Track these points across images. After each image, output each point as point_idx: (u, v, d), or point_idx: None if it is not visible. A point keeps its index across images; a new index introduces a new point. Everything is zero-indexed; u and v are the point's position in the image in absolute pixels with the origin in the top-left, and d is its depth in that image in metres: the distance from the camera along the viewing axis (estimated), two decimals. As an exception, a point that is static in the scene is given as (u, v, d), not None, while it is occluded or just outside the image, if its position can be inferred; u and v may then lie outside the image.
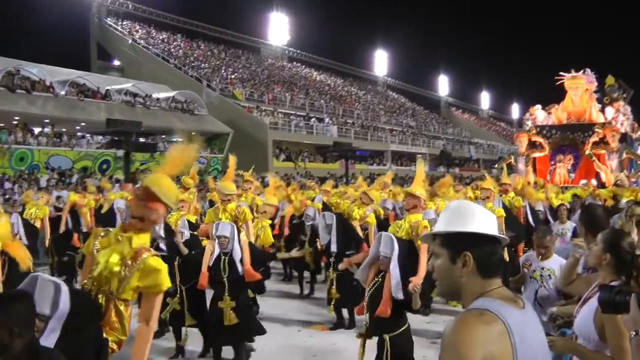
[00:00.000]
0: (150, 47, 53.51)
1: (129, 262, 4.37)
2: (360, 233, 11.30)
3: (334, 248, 10.19)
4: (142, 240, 4.55)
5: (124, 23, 58.03)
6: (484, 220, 2.47)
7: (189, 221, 9.58)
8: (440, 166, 55.37)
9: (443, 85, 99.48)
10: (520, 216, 12.69)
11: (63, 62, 41.57)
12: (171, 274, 9.42)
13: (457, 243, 2.43)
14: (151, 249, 4.56)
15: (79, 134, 35.61)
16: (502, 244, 2.50)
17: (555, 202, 14.21)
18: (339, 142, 41.87)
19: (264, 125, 45.24)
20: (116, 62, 56.88)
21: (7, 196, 19.53)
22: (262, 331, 8.23)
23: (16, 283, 4.10)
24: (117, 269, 4.37)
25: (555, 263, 6.23)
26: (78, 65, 44.87)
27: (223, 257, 7.82)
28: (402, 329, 6.33)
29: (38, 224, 13.90)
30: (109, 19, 56.83)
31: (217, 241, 7.90)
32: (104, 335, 4.32)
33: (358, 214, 11.63)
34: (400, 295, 6.14)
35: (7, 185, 24.20)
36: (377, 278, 6.43)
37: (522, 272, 6.35)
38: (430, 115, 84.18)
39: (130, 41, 53.31)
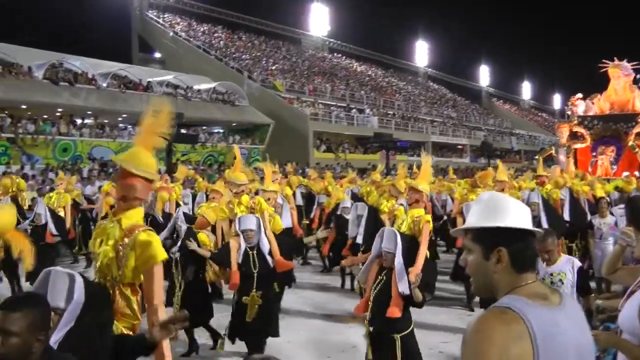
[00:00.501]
0: (191, 39, 53.76)
1: (123, 243, 4.30)
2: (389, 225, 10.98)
3: (359, 240, 9.84)
4: (131, 219, 4.43)
5: (166, 16, 58.41)
6: (518, 213, 2.37)
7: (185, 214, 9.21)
8: (481, 157, 54.84)
9: (484, 75, 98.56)
10: (558, 208, 12.18)
11: (105, 55, 41.91)
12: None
13: (490, 238, 2.34)
14: (143, 225, 4.45)
15: (121, 125, 35.92)
16: (536, 237, 2.39)
17: (600, 193, 13.87)
18: (380, 133, 41.67)
19: (304, 116, 45.18)
20: (157, 55, 57.27)
21: (51, 186, 19.68)
22: (276, 333, 7.76)
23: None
24: (112, 254, 4.31)
25: (565, 265, 5.87)
26: (120, 58, 45.25)
27: (250, 251, 7.49)
28: (412, 327, 6.11)
29: (62, 213, 13.47)
30: (150, 12, 57.23)
31: (241, 236, 7.57)
32: (115, 322, 4.15)
33: (387, 206, 11.14)
34: (407, 291, 5.86)
35: (51, 175, 24.43)
36: (381, 276, 6.12)
37: None
38: (471, 106, 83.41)
39: (171, 33, 53.63)
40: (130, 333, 4.26)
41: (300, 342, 8.76)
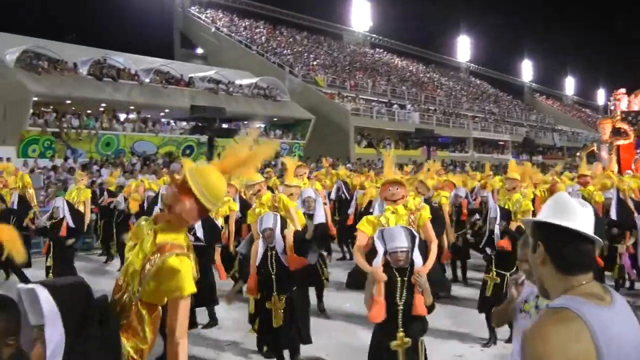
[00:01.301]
0: (233, 34, 53.99)
1: (151, 259, 3.79)
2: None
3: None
4: (169, 235, 3.88)
5: (208, 12, 58.79)
6: (567, 213, 2.33)
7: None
8: (523, 154, 54.20)
9: (526, 70, 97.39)
10: (600, 211, 11.40)
11: (148, 51, 42.25)
12: (208, 268, 9.04)
13: (536, 232, 2.37)
14: (179, 247, 3.85)
15: (163, 120, 36.19)
16: (590, 241, 2.31)
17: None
18: (421, 129, 41.48)
19: (345, 111, 45.07)
20: (199, 50, 57.63)
21: (93, 179, 19.90)
22: (307, 339, 7.36)
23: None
24: (138, 267, 3.83)
25: None
26: (162, 54, 45.55)
27: (270, 252, 7.11)
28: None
29: (81, 208, 13.08)
30: (192, 8, 57.64)
31: (261, 236, 7.21)
32: (124, 340, 3.76)
33: (412, 204, 10.91)
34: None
35: (95, 168, 24.70)
36: (399, 278, 5.48)
37: (510, 295, 4.21)
38: (513, 101, 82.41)
39: (213, 29, 53.92)
40: (136, 357, 3.82)
41: (332, 347, 8.33)
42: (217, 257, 10.19)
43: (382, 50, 75.35)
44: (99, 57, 34.85)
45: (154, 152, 31.85)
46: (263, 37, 57.36)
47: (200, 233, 8.85)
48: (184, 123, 34.78)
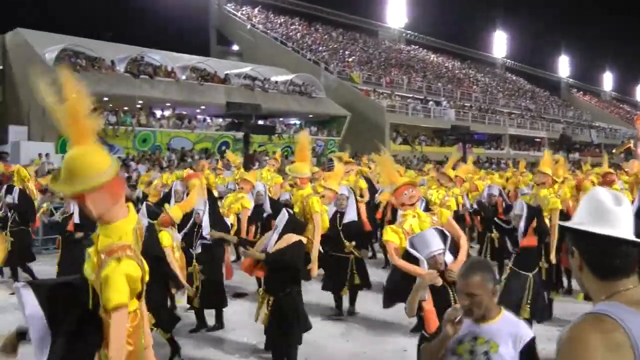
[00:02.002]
0: (269, 31, 54.11)
1: (96, 270, 3.43)
2: None
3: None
4: (110, 236, 3.48)
5: (243, 9, 59.00)
6: (601, 216, 2.22)
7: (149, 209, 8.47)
8: (560, 151, 53.54)
9: (563, 66, 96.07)
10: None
11: (184, 49, 42.54)
12: (217, 269, 8.92)
13: (571, 237, 2.29)
14: (123, 248, 3.41)
15: (199, 116, 36.38)
16: (631, 242, 2.19)
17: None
18: (457, 126, 41.14)
19: (381, 108, 44.91)
20: (235, 47, 57.91)
21: (128, 174, 20.04)
22: (293, 340, 6.87)
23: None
24: (92, 276, 3.48)
25: (503, 330, 3.49)
26: (198, 51, 45.77)
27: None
28: None
29: None
30: (228, 5, 57.89)
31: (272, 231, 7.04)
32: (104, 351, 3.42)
33: (437, 197, 10.45)
34: None
35: (132, 165, 24.92)
36: (447, 286, 5.08)
37: (444, 333, 3.45)
38: (550, 97, 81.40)
39: (249, 26, 54.09)
40: None
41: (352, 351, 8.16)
42: (227, 256, 10.12)
43: (417, 46, 74.92)
44: (136, 54, 35.12)
45: (190, 149, 32.03)
46: (299, 34, 57.42)
47: (206, 232, 8.70)
48: (220, 120, 34.96)
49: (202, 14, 57.89)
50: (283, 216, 7.00)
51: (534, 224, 7.68)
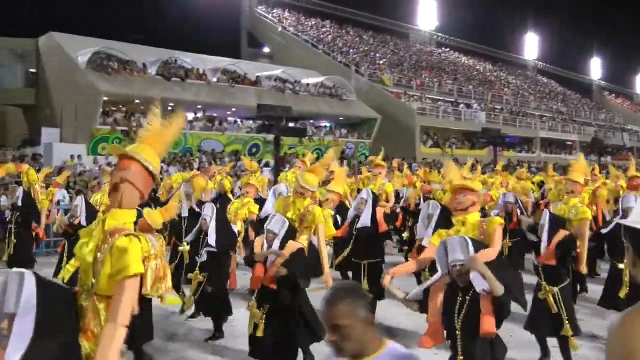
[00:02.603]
0: (300, 33, 54.21)
1: (102, 248, 3.65)
2: None
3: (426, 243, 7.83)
4: (117, 220, 3.77)
5: (274, 11, 59.16)
6: None
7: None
8: (592, 154, 52.84)
9: (595, 68, 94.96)
10: None
11: (215, 51, 42.61)
12: (221, 277, 8.72)
13: (626, 235, 2.24)
14: (129, 229, 3.75)
15: (230, 119, 36.47)
16: None
17: None
18: (488, 129, 40.80)
19: (411, 111, 44.74)
20: (266, 50, 58.03)
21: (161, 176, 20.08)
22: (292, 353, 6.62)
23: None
24: (90, 259, 3.67)
25: None
26: (229, 54, 45.95)
27: None
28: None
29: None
30: (259, 8, 58.07)
31: (265, 236, 6.74)
32: (83, 342, 3.54)
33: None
34: (486, 286, 4.73)
35: (163, 167, 25.01)
36: (460, 297, 4.85)
37: None
38: (582, 100, 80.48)
39: (280, 29, 54.18)
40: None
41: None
42: (234, 264, 9.95)
43: (448, 49, 74.64)
44: (168, 57, 35.33)
45: (221, 151, 32.13)
46: (329, 37, 57.43)
47: (212, 240, 8.39)
48: (251, 122, 35.00)
49: (233, 16, 58.17)
50: (282, 223, 6.72)
51: (559, 237, 7.05)
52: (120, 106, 31.71)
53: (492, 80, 67.70)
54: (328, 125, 42.38)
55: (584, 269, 8.43)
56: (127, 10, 57.56)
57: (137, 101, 32.21)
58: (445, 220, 8.14)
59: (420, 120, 44.66)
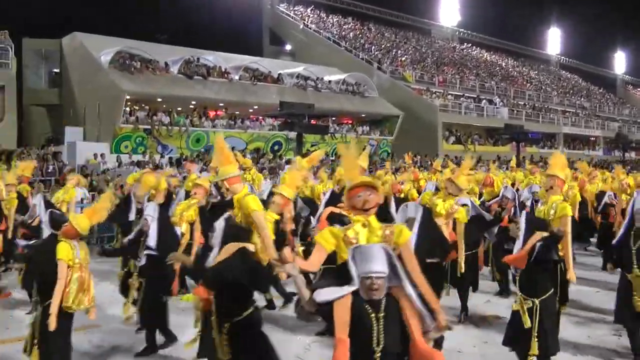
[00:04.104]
0: (322, 30, 54.14)
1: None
2: (447, 233, 8.63)
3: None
4: None
5: (296, 8, 59.20)
6: None
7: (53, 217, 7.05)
8: (615, 150, 52.25)
9: (619, 62, 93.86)
10: None
11: (237, 49, 42.66)
12: (164, 282, 7.98)
13: None
14: None
15: (252, 116, 36.49)
16: None
17: None
18: (510, 125, 40.66)
19: (434, 107, 44.58)
20: (288, 47, 58.06)
21: (184, 175, 20.14)
22: None
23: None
24: None
25: None
26: (251, 51, 46.00)
27: None
28: None
29: (64, 208, 11.82)
30: (281, 5, 58.13)
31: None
32: None
33: (443, 208, 9.10)
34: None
35: (185, 164, 25.10)
36: (371, 314, 4.05)
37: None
38: (606, 95, 79.65)
39: (301, 26, 54.18)
40: None
41: None
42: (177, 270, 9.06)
43: (470, 44, 74.18)
44: (189, 56, 35.41)
45: (243, 148, 32.16)
46: (351, 33, 57.31)
47: (152, 241, 7.79)
48: (273, 119, 35.00)
49: (255, 14, 58.22)
50: (219, 224, 6.07)
51: (534, 239, 6.32)
52: (143, 105, 31.86)
53: (515, 75, 67.29)
54: (350, 122, 42.31)
55: (571, 276, 7.44)
56: (149, 9, 57.77)
57: (159, 99, 32.37)
58: (428, 224, 7.56)
59: (443, 116, 44.50)
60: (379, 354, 4.00)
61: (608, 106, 72.07)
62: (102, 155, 26.50)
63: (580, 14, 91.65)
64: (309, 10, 60.40)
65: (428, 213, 7.74)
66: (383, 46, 56.68)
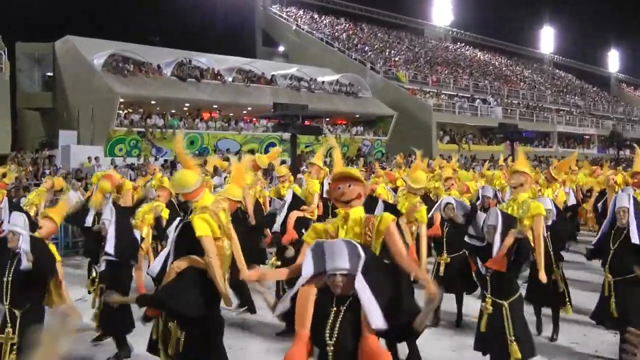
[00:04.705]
0: (314, 31, 54.17)
1: None
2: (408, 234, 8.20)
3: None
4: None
5: (288, 9, 59.26)
6: None
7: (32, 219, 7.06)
8: (610, 148, 52.31)
9: (613, 60, 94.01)
10: None
11: (230, 51, 42.66)
12: (123, 287, 7.40)
13: None
14: None
15: (246, 118, 36.52)
16: None
17: None
18: (504, 124, 40.66)
19: (427, 107, 44.61)
20: (281, 48, 58.13)
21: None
22: None
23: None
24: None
25: None
26: (244, 53, 46.02)
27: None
28: None
29: (32, 211, 11.85)
30: (273, 6, 58.16)
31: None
32: None
33: (404, 207, 8.86)
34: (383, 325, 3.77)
35: (179, 167, 25.08)
36: (333, 306, 3.92)
37: None
38: (600, 93, 79.80)
39: (294, 27, 54.25)
40: None
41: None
42: (139, 276, 8.93)
43: (463, 44, 74.27)
44: (183, 58, 35.44)
45: (237, 150, 32.20)
46: (344, 34, 57.34)
47: (110, 246, 7.35)
48: (267, 120, 35.03)
49: (247, 15, 58.31)
50: (171, 231, 5.81)
51: (510, 239, 6.02)
52: (137, 107, 31.88)
53: (508, 74, 67.40)
54: (344, 123, 42.35)
55: (543, 277, 7.38)
56: (142, 12, 57.77)
57: (153, 102, 32.39)
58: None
59: (436, 116, 44.53)
60: (331, 348, 3.84)
61: (602, 104, 72.18)
62: (96, 158, 26.47)
63: (573, 13, 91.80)
64: (301, 11, 60.40)
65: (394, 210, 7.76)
66: (376, 46, 56.71)
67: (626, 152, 48.10)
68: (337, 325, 3.85)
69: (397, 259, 4.47)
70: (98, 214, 8.92)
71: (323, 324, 3.88)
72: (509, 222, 6.19)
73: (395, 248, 4.60)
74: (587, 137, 58.67)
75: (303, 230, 7.08)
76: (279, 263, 8.58)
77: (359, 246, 3.94)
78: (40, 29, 41.01)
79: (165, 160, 28.69)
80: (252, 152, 31.67)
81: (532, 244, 7.15)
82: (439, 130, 45.08)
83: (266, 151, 33.27)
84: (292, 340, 3.92)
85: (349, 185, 4.97)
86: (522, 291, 6.63)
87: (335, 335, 3.83)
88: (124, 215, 7.97)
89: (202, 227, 5.58)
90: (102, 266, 7.44)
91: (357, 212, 4.96)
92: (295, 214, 8.32)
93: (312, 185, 9.95)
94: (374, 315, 3.72)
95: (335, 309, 3.88)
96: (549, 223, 8.05)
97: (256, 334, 8.59)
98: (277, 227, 8.55)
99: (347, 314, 3.85)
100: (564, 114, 59.26)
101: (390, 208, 8.45)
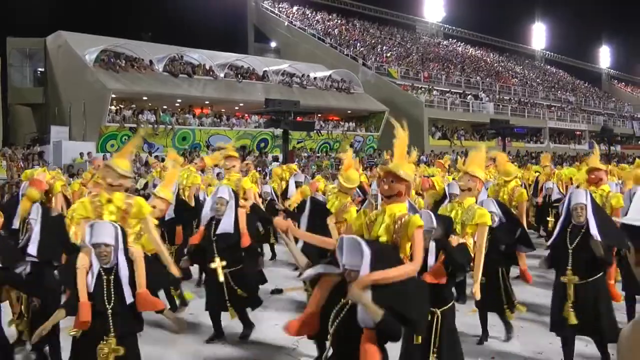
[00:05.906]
0: (306, 27, 54.12)
1: None
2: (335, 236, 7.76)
3: None
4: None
5: (280, 5, 59.15)
6: None
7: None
8: (601, 143, 52.51)
9: (604, 56, 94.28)
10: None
11: (222, 47, 42.69)
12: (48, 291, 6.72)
13: (628, 233, 2.09)
14: None
15: (238, 114, 36.54)
16: None
17: None
18: (496, 120, 40.79)
19: (419, 103, 44.68)
20: (273, 44, 58.23)
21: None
22: None
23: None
24: None
25: None
26: (236, 49, 46.03)
27: (106, 275, 5.20)
28: None
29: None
30: (265, 2, 58.06)
31: (93, 251, 5.20)
32: None
33: (334, 207, 8.63)
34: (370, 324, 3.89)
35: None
36: (342, 298, 4.05)
37: None
38: (591, 89, 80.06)
39: (286, 23, 54.24)
40: None
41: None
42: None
43: (455, 40, 74.41)
44: (174, 54, 35.41)
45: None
46: (336, 30, 57.30)
47: (33, 247, 6.65)
48: (259, 116, 35.06)
49: (239, 11, 58.32)
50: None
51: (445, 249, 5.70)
52: (129, 103, 31.86)
53: (500, 70, 67.53)
54: (336, 119, 42.37)
55: (477, 292, 6.61)
56: (134, 8, 57.71)
57: (144, 98, 32.35)
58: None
59: (428, 112, 44.65)
60: (331, 337, 4.03)
61: (593, 100, 72.36)
62: (88, 154, 26.42)
63: (564, 9, 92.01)
64: (293, 7, 60.37)
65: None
66: (368, 42, 56.72)
67: (617, 147, 48.33)
68: (341, 316, 4.00)
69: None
70: (24, 221, 8.00)
71: (328, 314, 4.07)
72: (447, 226, 5.95)
73: (414, 252, 4.88)
74: (578, 132, 58.87)
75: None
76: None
77: (362, 243, 4.01)
78: (31, 24, 40.99)
79: (157, 157, 28.69)
80: (243, 148, 31.79)
81: (472, 253, 6.55)
82: (431, 126, 45.20)
83: (258, 147, 33.37)
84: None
85: (392, 181, 5.23)
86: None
87: (336, 325, 4.01)
88: (48, 215, 7.30)
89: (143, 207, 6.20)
90: (28, 269, 6.58)
91: (394, 208, 5.19)
92: (243, 213, 8.23)
93: (245, 181, 10.18)
94: (362, 313, 3.85)
95: (343, 300, 4.01)
96: (494, 225, 7.42)
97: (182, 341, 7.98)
98: (228, 227, 8.01)
99: (354, 306, 3.94)
100: (555, 109, 59.45)
101: (320, 206, 8.70)
